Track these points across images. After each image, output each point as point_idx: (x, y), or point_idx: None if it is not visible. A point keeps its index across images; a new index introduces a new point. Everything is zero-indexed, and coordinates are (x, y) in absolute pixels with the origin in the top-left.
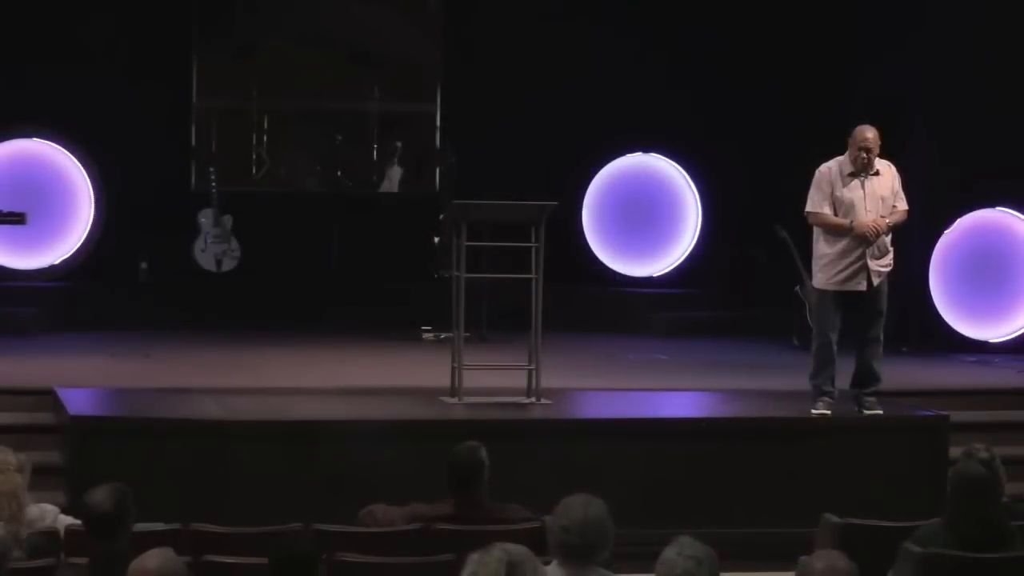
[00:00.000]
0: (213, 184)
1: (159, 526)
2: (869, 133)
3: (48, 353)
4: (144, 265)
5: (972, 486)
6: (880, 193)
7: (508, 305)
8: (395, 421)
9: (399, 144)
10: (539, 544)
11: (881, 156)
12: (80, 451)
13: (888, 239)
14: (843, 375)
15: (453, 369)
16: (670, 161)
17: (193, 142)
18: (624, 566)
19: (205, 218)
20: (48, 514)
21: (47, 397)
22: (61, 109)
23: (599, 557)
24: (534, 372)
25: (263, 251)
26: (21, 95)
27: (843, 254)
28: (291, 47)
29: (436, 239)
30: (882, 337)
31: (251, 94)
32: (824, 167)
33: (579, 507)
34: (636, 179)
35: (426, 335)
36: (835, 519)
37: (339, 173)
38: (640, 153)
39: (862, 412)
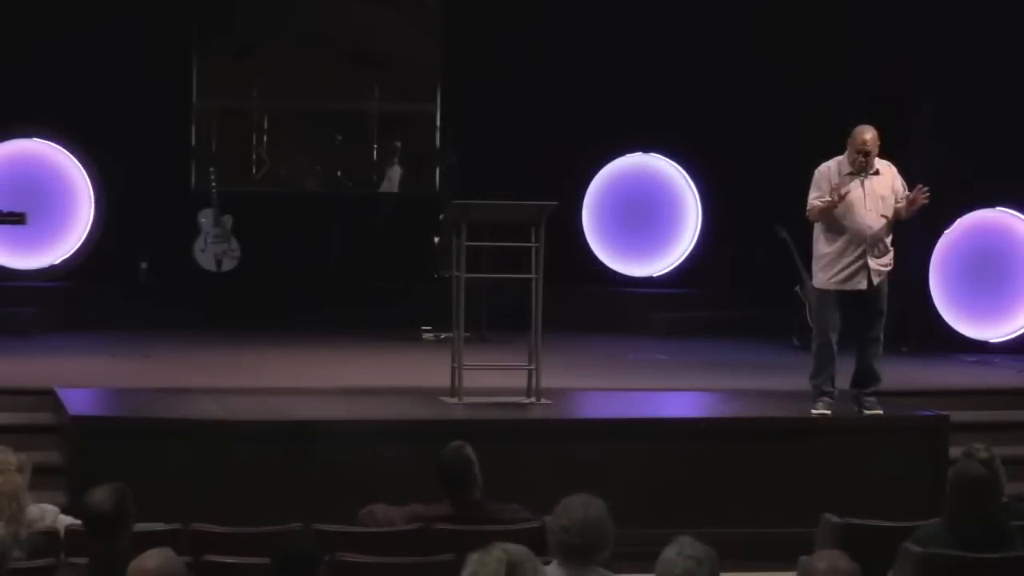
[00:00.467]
0: (213, 184)
1: (159, 526)
2: (867, 134)
3: (48, 353)
4: (144, 265)
5: (972, 486)
6: (880, 192)
7: (508, 305)
8: (395, 421)
9: (399, 144)
10: (539, 544)
11: (881, 156)
12: (80, 451)
13: (888, 239)
14: (843, 375)
15: (453, 369)
16: (670, 161)
17: (193, 142)
18: (624, 566)
19: (205, 218)
20: (48, 514)
21: (47, 397)
22: (61, 109)
23: (599, 557)
24: (534, 372)
25: (263, 251)
26: (21, 95)
27: (843, 254)
28: (291, 47)
29: (436, 239)
30: (882, 337)
31: (251, 94)
32: (823, 166)
33: (579, 507)
34: (636, 179)
35: (426, 335)
36: (835, 519)
37: (339, 173)
38: (640, 153)
39: (862, 412)
